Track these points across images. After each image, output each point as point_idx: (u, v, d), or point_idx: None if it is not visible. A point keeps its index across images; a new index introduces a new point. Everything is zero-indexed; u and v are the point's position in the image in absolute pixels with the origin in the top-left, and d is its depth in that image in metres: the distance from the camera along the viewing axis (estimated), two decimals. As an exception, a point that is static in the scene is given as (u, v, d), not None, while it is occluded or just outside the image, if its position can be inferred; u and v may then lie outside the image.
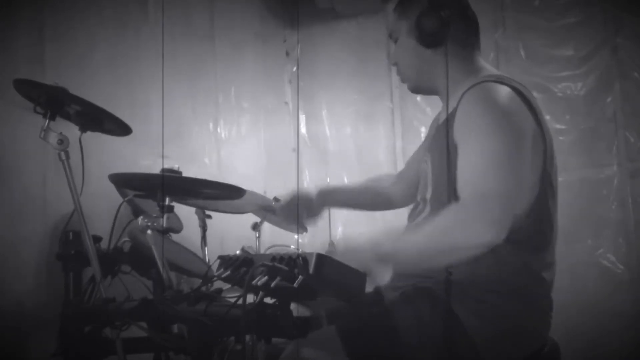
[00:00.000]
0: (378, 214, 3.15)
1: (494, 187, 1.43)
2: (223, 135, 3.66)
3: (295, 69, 4.57)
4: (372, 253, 1.45)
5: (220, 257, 1.50)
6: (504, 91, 1.59)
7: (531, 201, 1.57)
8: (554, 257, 1.64)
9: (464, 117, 1.57)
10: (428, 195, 1.69)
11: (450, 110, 1.65)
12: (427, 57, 1.73)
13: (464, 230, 1.41)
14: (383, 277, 1.47)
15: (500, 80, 1.62)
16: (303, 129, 4.54)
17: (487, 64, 1.76)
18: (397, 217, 2.15)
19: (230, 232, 3.26)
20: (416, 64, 1.76)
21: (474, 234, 1.39)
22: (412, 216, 1.78)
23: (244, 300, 1.29)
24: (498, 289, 1.54)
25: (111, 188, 2.11)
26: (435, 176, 1.67)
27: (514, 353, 1.56)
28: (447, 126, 1.61)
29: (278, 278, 1.29)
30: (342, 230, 4.14)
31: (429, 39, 1.70)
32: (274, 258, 1.33)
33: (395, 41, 1.80)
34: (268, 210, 2.77)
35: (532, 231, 1.57)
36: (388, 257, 1.45)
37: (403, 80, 1.84)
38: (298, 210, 2.06)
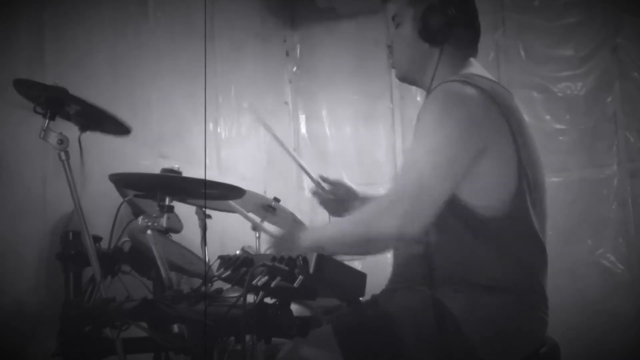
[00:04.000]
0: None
1: (416, 184, 1.49)
2: (223, 135, 3.66)
3: (295, 69, 4.57)
4: (310, 238, 1.56)
5: (220, 257, 1.50)
6: (465, 92, 1.58)
7: (507, 197, 1.55)
8: (546, 254, 1.64)
9: (420, 114, 1.60)
10: None
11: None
12: (424, 50, 1.74)
13: (378, 221, 1.49)
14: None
15: (465, 80, 1.61)
16: (303, 129, 4.53)
17: (478, 67, 1.76)
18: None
19: (230, 232, 3.26)
20: (411, 54, 1.77)
21: (386, 225, 1.47)
22: None
23: (244, 300, 1.29)
24: (492, 288, 1.54)
25: (111, 188, 2.11)
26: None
27: (513, 353, 1.55)
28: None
29: (278, 278, 1.29)
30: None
31: (429, 35, 1.71)
32: (274, 258, 1.34)
33: (397, 26, 1.81)
34: (268, 210, 2.77)
35: (516, 225, 1.57)
36: (319, 242, 1.54)
37: (393, 66, 1.85)
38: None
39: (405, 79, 1.86)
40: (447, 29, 1.68)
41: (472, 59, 1.77)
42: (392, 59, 1.84)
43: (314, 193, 2.07)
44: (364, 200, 2.02)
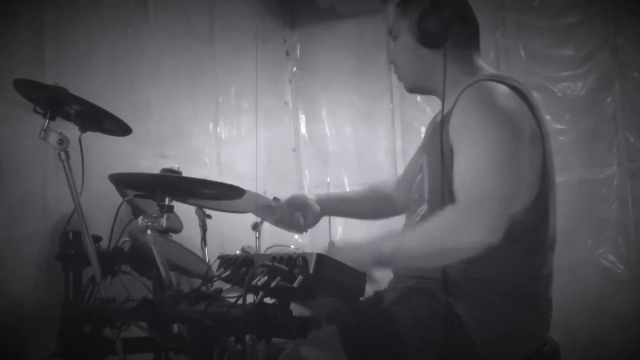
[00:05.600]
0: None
1: (489, 188, 1.43)
2: (223, 135, 3.66)
3: (295, 69, 4.57)
4: (371, 254, 1.47)
5: (220, 257, 1.50)
6: (501, 89, 1.59)
7: (531, 199, 1.56)
8: (553, 255, 1.64)
9: (460, 117, 1.57)
10: (425, 194, 1.69)
11: (446, 110, 1.65)
12: (426, 56, 1.73)
13: (458, 232, 1.42)
14: (379, 277, 1.48)
15: (497, 79, 1.63)
16: (303, 129, 4.54)
17: (486, 65, 1.76)
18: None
19: (230, 232, 3.26)
20: (414, 63, 1.77)
21: (468, 236, 1.41)
22: (409, 214, 1.78)
23: (244, 300, 1.29)
24: (497, 289, 1.54)
25: (111, 188, 2.11)
26: (431, 175, 1.68)
27: (514, 353, 1.56)
28: (441, 126, 1.61)
29: (278, 278, 1.29)
30: (342, 230, 4.14)
31: (428, 39, 1.70)
32: (274, 258, 1.33)
33: (395, 39, 1.81)
34: (268, 210, 2.76)
35: (532, 229, 1.57)
36: (386, 258, 1.47)
37: (400, 79, 1.84)
38: (295, 214, 2.05)
39: (414, 89, 1.85)
40: (444, 30, 1.67)
41: (480, 61, 1.76)
42: (397, 73, 1.84)
43: (264, 216, 2.00)
44: (320, 213, 2.02)
